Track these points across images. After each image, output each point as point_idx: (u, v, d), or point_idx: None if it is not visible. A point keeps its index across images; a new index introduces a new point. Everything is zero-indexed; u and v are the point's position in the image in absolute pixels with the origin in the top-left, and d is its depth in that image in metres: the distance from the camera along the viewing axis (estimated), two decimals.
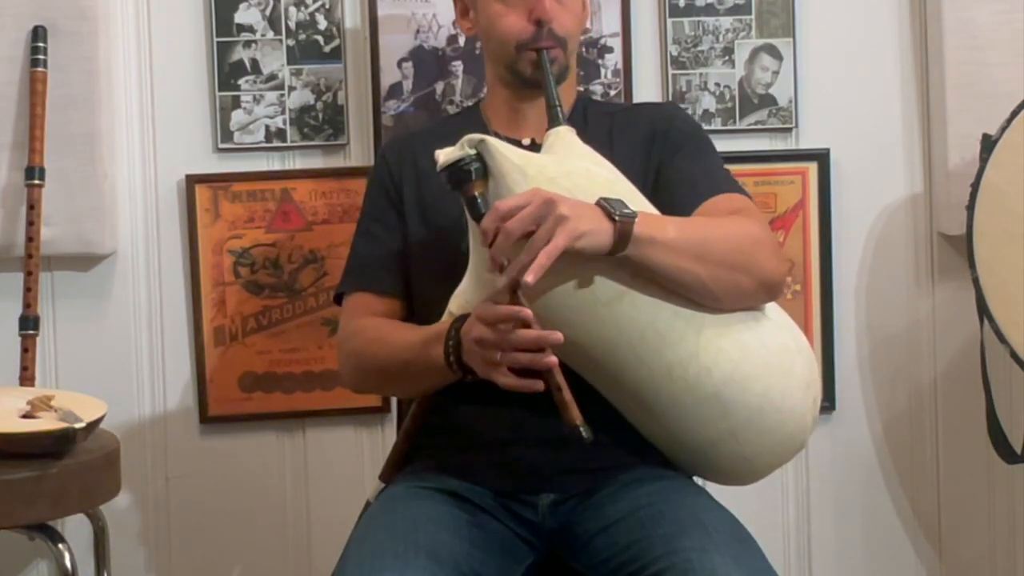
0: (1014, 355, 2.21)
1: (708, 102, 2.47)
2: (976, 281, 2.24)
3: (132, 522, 2.44)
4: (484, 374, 1.66)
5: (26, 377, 2.28)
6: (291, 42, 2.41)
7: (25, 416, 2.01)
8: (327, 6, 2.41)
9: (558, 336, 1.59)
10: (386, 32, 2.41)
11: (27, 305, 2.28)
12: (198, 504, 2.46)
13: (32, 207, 2.28)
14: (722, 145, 2.39)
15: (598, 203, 1.62)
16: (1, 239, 2.34)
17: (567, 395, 1.60)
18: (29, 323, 2.29)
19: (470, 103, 2.30)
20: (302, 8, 2.41)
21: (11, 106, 2.33)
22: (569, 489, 1.78)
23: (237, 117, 2.41)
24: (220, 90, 2.40)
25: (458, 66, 2.42)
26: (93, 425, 2.01)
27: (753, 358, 1.70)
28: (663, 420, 1.73)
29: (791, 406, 1.73)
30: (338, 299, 2.00)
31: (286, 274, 2.43)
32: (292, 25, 2.41)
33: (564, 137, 1.82)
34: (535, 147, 1.87)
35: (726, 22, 2.47)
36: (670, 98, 2.46)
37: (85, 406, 2.05)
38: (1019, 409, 2.53)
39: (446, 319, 1.76)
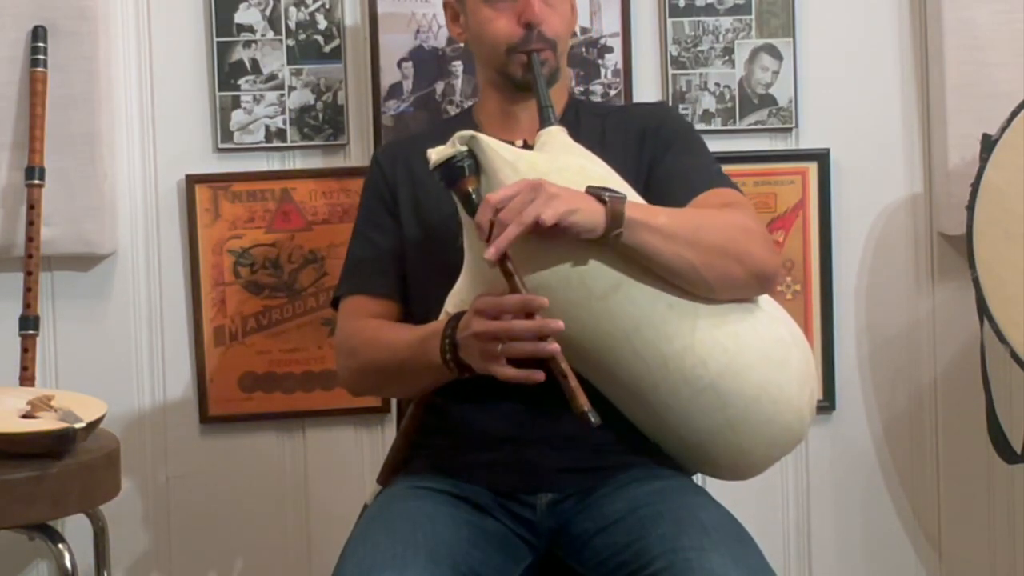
0: (1014, 355, 2.21)
1: (708, 102, 2.47)
2: (976, 281, 2.24)
3: (132, 522, 2.44)
4: (483, 368, 1.66)
5: (26, 377, 2.28)
6: (291, 42, 2.41)
7: (25, 416, 2.01)
8: (327, 6, 2.41)
9: (559, 323, 1.60)
10: (386, 32, 2.41)
11: (27, 305, 2.28)
12: (198, 504, 2.46)
13: (32, 207, 2.28)
14: (722, 145, 2.41)
15: (587, 190, 1.63)
16: (1, 239, 2.34)
17: (573, 382, 1.60)
18: (29, 323, 2.29)
19: (469, 103, 2.30)
20: (302, 8, 2.41)
21: (11, 106, 2.33)
22: (568, 488, 1.78)
23: (237, 117, 2.41)
24: (220, 90, 2.40)
25: (458, 66, 2.42)
26: (93, 425, 2.01)
27: (749, 349, 1.71)
28: (661, 413, 1.73)
29: (788, 397, 1.73)
30: (335, 304, 2.00)
31: (286, 274, 2.43)
32: (292, 25, 2.41)
33: (556, 136, 1.83)
34: (527, 148, 1.87)
35: (726, 22, 2.47)
36: (670, 98, 2.46)
37: (85, 406, 2.05)
38: (1019, 409, 2.53)
39: (443, 318, 1.76)
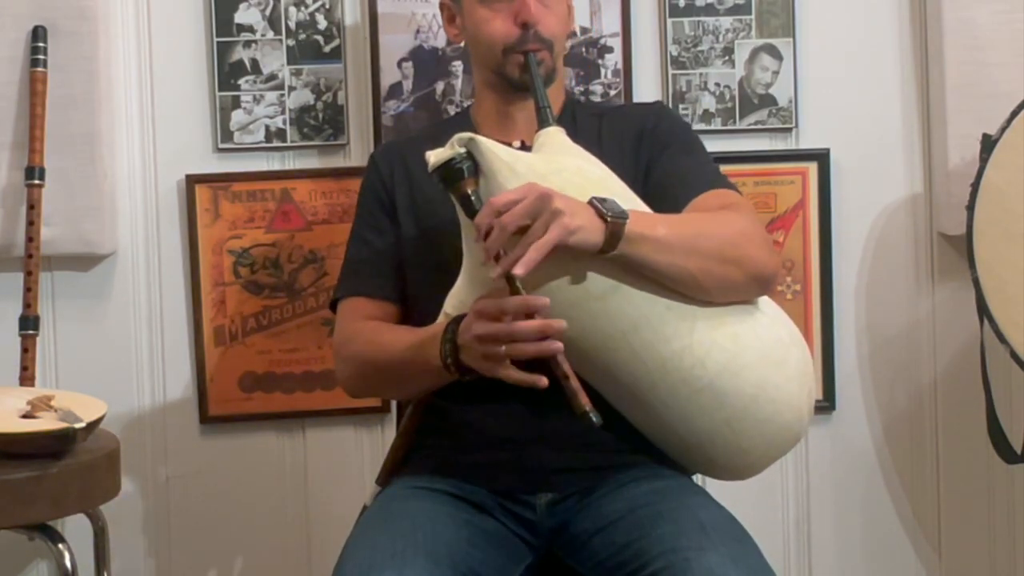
0: (1014, 355, 2.21)
1: (708, 102, 2.47)
2: (976, 281, 2.24)
3: (132, 522, 2.44)
4: (486, 370, 1.66)
5: (26, 377, 2.28)
6: (291, 42, 2.41)
7: (25, 416, 2.01)
8: (327, 6, 2.41)
9: (561, 323, 1.60)
10: (386, 32, 2.41)
11: (27, 305, 2.28)
12: (198, 504, 2.46)
13: (32, 207, 2.28)
14: (722, 145, 2.41)
15: (590, 202, 1.62)
16: (1, 239, 2.34)
17: (574, 382, 1.61)
18: (29, 323, 2.29)
19: (468, 103, 2.29)
20: (302, 8, 2.41)
21: (11, 106, 2.33)
22: (567, 488, 1.78)
23: (237, 117, 2.41)
24: (220, 90, 2.40)
25: (458, 66, 2.42)
26: (93, 425, 2.01)
27: (747, 349, 1.71)
28: (659, 413, 1.73)
29: (786, 396, 1.73)
30: (333, 306, 2.00)
31: (286, 274, 2.43)
32: (292, 25, 2.41)
33: (554, 137, 1.82)
34: (525, 149, 1.87)
35: (726, 22, 2.47)
36: (670, 98, 2.46)
37: (85, 406, 2.05)
38: (1019, 409, 2.53)
39: (442, 320, 1.76)
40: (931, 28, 2.48)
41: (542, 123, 1.84)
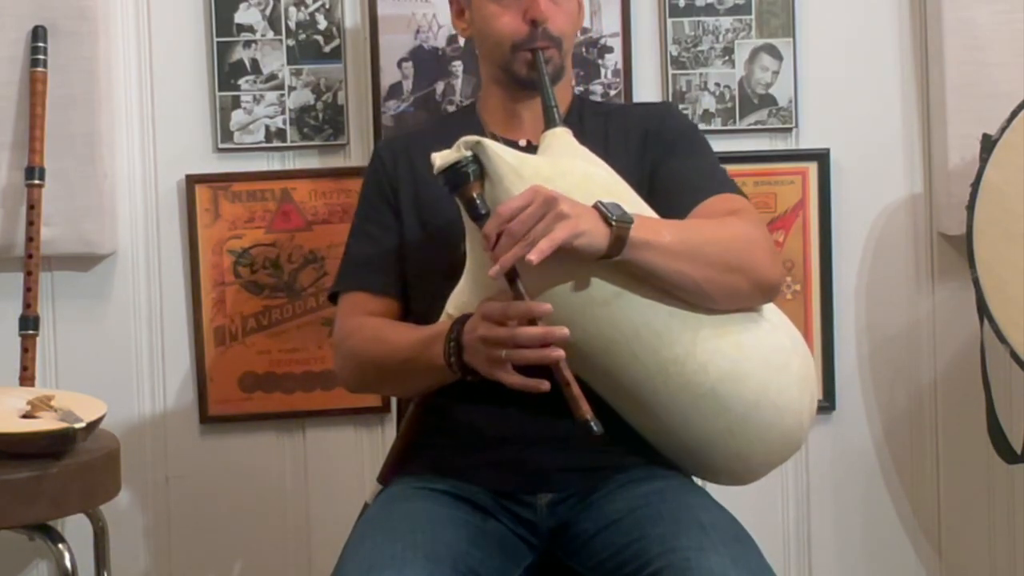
0: (1014, 355, 2.21)
1: (708, 102, 2.47)
2: (976, 281, 2.24)
3: (132, 522, 2.44)
4: (488, 373, 1.66)
5: (26, 377, 2.28)
6: (291, 42, 2.41)
7: (25, 416, 2.01)
8: (327, 6, 2.41)
9: (564, 331, 1.60)
10: (386, 32, 2.41)
11: (27, 305, 2.28)
12: (198, 504, 2.46)
13: (32, 207, 2.28)
14: (722, 145, 2.41)
15: (595, 206, 1.62)
16: (1, 239, 2.34)
17: (575, 389, 1.60)
18: (29, 323, 2.29)
19: (467, 103, 2.29)
20: (302, 8, 2.41)
21: (11, 106, 2.33)
22: (568, 489, 1.78)
23: (237, 117, 2.41)
24: (220, 90, 2.40)
25: (458, 66, 2.42)
26: (93, 425, 2.01)
27: (749, 356, 1.71)
28: (660, 418, 1.73)
29: (787, 403, 1.73)
30: (332, 298, 2.00)
31: (286, 274, 2.43)
32: (292, 25, 2.41)
33: (561, 138, 1.82)
34: (531, 148, 1.87)
35: (726, 22, 2.47)
36: (670, 98, 2.46)
37: (85, 406, 2.05)
38: (1019, 409, 2.53)
39: (445, 320, 1.76)
40: (931, 28, 2.48)
41: (549, 123, 1.84)
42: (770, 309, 1.80)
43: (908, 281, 2.55)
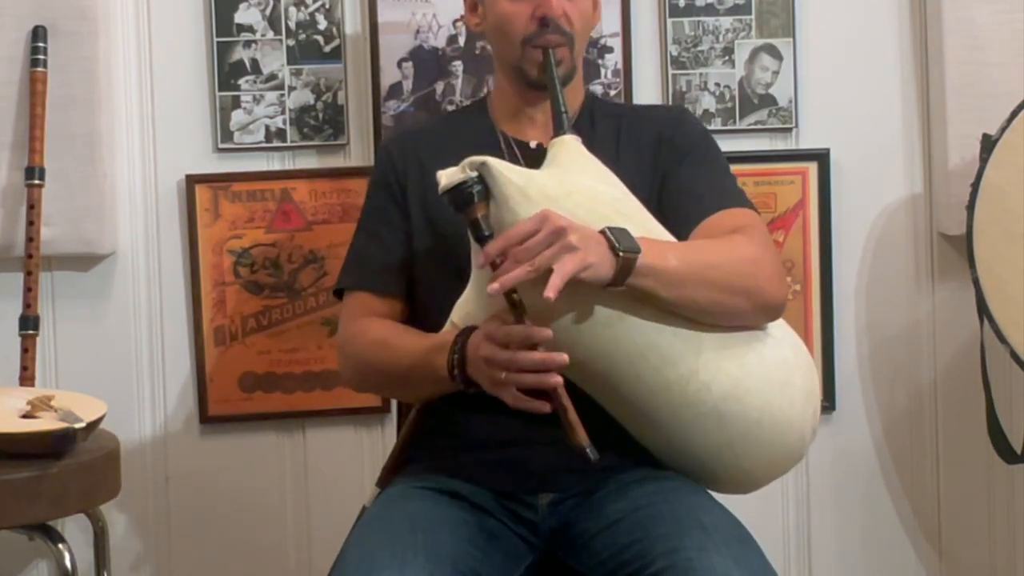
0: (1014, 355, 2.21)
1: (708, 102, 2.47)
2: (976, 281, 2.24)
3: (132, 522, 2.44)
4: (491, 391, 1.66)
5: (26, 377, 2.28)
6: (291, 42, 2.41)
7: (25, 416, 2.01)
8: (327, 6, 2.41)
9: (563, 358, 1.59)
10: (386, 32, 2.41)
11: (27, 305, 2.28)
12: (198, 504, 2.46)
13: (32, 207, 2.28)
14: (722, 145, 2.37)
15: (603, 233, 1.61)
16: (1, 239, 2.34)
17: (572, 416, 1.61)
18: (29, 323, 2.29)
19: (478, 99, 2.28)
20: (302, 8, 2.41)
21: (11, 106, 2.33)
22: (569, 489, 1.78)
23: (237, 117, 2.41)
24: (220, 90, 2.40)
25: (458, 66, 2.42)
26: (93, 425, 2.01)
27: (753, 373, 1.71)
28: (662, 432, 1.73)
29: (790, 419, 1.73)
30: (337, 293, 1.99)
31: (286, 274, 2.43)
32: (292, 25, 2.41)
33: (569, 147, 1.80)
34: (541, 151, 1.86)
35: (726, 22, 2.47)
36: (670, 98, 2.46)
37: (85, 406, 2.05)
38: (1019, 409, 2.53)
39: (450, 329, 1.75)
40: (931, 28, 2.48)
41: (557, 129, 1.82)
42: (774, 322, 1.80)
43: (908, 281, 2.55)
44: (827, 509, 2.56)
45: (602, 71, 2.45)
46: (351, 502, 2.04)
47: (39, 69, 2.30)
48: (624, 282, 1.61)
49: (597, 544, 1.70)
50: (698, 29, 2.47)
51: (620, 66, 2.45)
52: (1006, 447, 2.35)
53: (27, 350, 2.28)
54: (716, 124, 2.46)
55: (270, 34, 2.40)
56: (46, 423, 1.98)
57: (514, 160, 1.89)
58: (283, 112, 2.41)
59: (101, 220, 2.35)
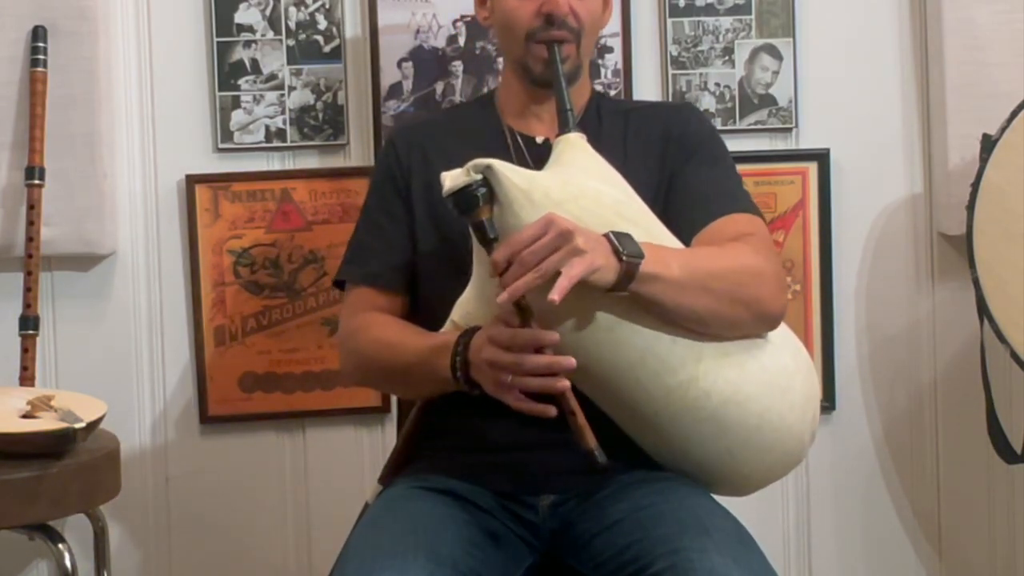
0: (1014, 355, 2.21)
1: (708, 102, 2.47)
2: (976, 281, 2.24)
3: (132, 522, 2.44)
4: (494, 393, 1.65)
5: (26, 377, 2.28)
6: (291, 42, 2.41)
7: (25, 416, 2.01)
8: (327, 6, 2.41)
9: (571, 362, 1.59)
10: (386, 32, 2.41)
11: (27, 305, 2.28)
12: (198, 504, 2.46)
13: (32, 207, 2.28)
14: None
15: (607, 237, 1.61)
16: (1, 239, 2.34)
17: (581, 420, 1.60)
18: (29, 323, 2.29)
19: (485, 93, 2.27)
20: (302, 8, 2.41)
21: (11, 106, 2.33)
22: (570, 490, 1.78)
23: (237, 117, 2.41)
24: (220, 90, 2.40)
25: (458, 66, 2.42)
26: (93, 425, 2.01)
27: (752, 380, 1.70)
28: (662, 437, 1.73)
29: (789, 424, 1.73)
30: (338, 285, 1.99)
31: (286, 274, 2.43)
32: (292, 25, 2.41)
33: (575, 145, 1.80)
34: (547, 146, 1.86)
35: (726, 22, 2.47)
36: (670, 98, 2.46)
37: (85, 406, 2.05)
38: (1019, 409, 2.53)
39: (451, 328, 1.75)
40: (931, 28, 2.48)
41: (563, 127, 1.82)
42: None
43: (908, 281, 2.55)
44: (827, 509, 2.56)
45: (602, 71, 2.45)
46: (351, 502, 2.04)
47: (39, 69, 2.30)
48: (627, 287, 1.61)
49: (598, 545, 1.70)
50: (698, 29, 2.47)
51: (620, 66, 2.45)
52: (1006, 447, 2.35)
53: (27, 350, 2.28)
54: (716, 124, 2.45)
55: (270, 34, 2.40)
56: (46, 423, 1.98)
57: (520, 155, 1.89)
58: (283, 112, 2.41)
59: (101, 220, 2.35)
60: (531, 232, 1.57)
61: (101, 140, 2.35)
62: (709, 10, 2.47)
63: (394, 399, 2.28)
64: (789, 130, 2.50)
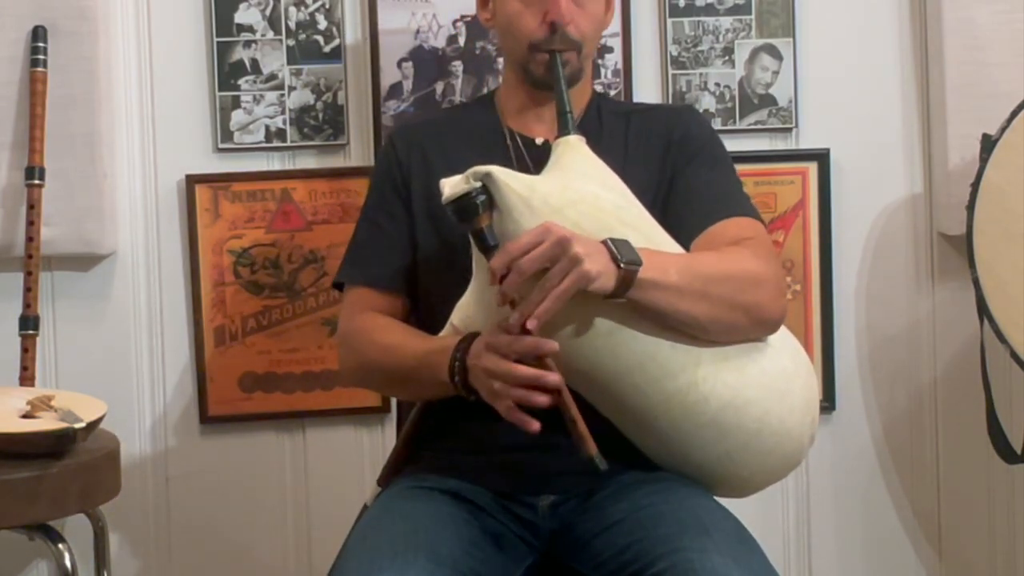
0: (1014, 355, 2.21)
1: (708, 102, 2.47)
2: (976, 281, 2.24)
3: (132, 522, 2.44)
4: (489, 401, 1.66)
5: (26, 377, 2.28)
6: (291, 42, 2.41)
7: (25, 416, 2.01)
8: (327, 6, 2.41)
9: (556, 377, 1.60)
10: (386, 32, 2.41)
11: (27, 305, 2.28)
12: (198, 504, 2.46)
13: (32, 207, 2.28)
14: None
15: (605, 244, 1.61)
16: (1, 239, 2.34)
17: (582, 427, 1.61)
18: (29, 323, 2.29)
19: (485, 93, 2.27)
20: (302, 8, 2.41)
21: (11, 106, 2.33)
22: (569, 490, 1.78)
23: (237, 117, 2.41)
24: (220, 90, 2.40)
25: (458, 66, 2.42)
26: (93, 425, 2.01)
27: (752, 384, 1.71)
28: (662, 441, 1.73)
29: (788, 428, 1.74)
30: (337, 286, 1.99)
31: (286, 274, 2.43)
32: (292, 25, 2.41)
33: (574, 148, 1.80)
34: (547, 147, 1.86)
35: (726, 22, 2.47)
36: (670, 98, 2.46)
37: (85, 406, 2.05)
38: (1019, 409, 2.53)
39: (450, 331, 1.75)
40: (931, 28, 2.48)
41: (562, 129, 1.82)
42: None
43: (908, 281, 2.55)
44: (827, 509, 2.56)
45: (602, 71, 2.45)
46: (351, 502, 2.04)
47: (39, 69, 2.30)
48: (625, 294, 1.61)
49: (598, 545, 1.70)
50: (698, 29, 2.47)
51: (620, 66, 2.45)
52: (1006, 447, 2.35)
53: (27, 350, 2.28)
54: (716, 124, 2.45)
55: (270, 34, 2.40)
56: (46, 423, 1.98)
57: (519, 156, 1.89)
58: (283, 112, 2.41)
59: (101, 220, 2.35)
60: (528, 240, 1.58)
61: (101, 140, 2.35)
62: (709, 10, 2.47)
63: (394, 400, 2.28)
64: (789, 130, 2.50)
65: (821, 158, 2.49)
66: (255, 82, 2.40)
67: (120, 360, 2.43)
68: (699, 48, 2.47)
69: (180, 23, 2.41)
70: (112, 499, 2.11)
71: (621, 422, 1.74)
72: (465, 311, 1.75)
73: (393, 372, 1.82)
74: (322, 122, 2.42)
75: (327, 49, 2.42)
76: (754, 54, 2.48)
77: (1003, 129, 2.22)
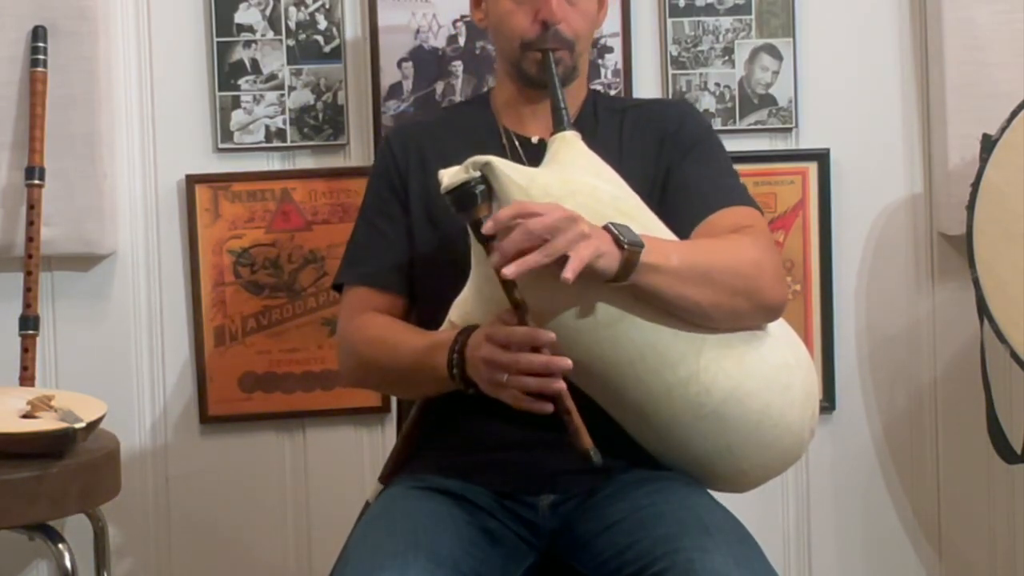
0: (1014, 355, 2.21)
1: (708, 102, 2.47)
2: (976, 281, 2.24)
3: (132, 522, 2.44)
4: (489, 392, 1.66)
5: (26, 377, 2.28)
6: (291, 42, 2.41)
7: (25, 416, 2.01)
8: (327, 6, 2.41)
9: (567, 362, 1.59)
10: (386, 32, 2.41)
11: (27, 305, 2.28)
12: (198, 504, 2.46)
13: (32, 207, 2.28)
14: None
15: (607, 228, 1.61)
16: (1, 239, 2.34)
17: (577, 420, 1.60)
18: (29, 323, 2.29)
19: (480, 93, 2.27)
20: (302, 8, 2.41)
21: (11, 106, 2.33)
22: (570, 490, 1.78)
23: (237, 117, 2.41)
24: (220, 90, 2.40)
25: (458, 66, 2.42)
26: (93, 425, 2.01)
27: (753, 376, 1.71)
28: (661, 434, 1.73)
29: (789, 421, 1.74)
30: (337, 288, 1.99)
31: (286, 274, 2.43)
32: (292, 25, 2.41)
33: (570, 143, 1.80)
34: (542, 146, 1.86)
35: (726, 22, 2.47)
36: (670, 98, 2.46)
37: (85, 406, 2.05)
38: (1019, 409, 2.53)
39: (448, 328, 1.75)
40: (931, 28, 2.48)
41: (557, 125, 1.82)
42: (775, 322, 1.79)
43: (908, 281, 2.55)
44: (827, 509, 2.56)
45: (602, 71, 2.45)
46: (351, 502, 2.04)
47: (39, 69, 2.30)
48: (628, 277, 1.61)
49: (598, 544, 1.70)
50: (698, 29, 2.47)
51: (620, 66, 2.45)
52: (1006, 447, 2.35)
53: (27, 350, 2.28)
54: (716, 124, 2.45)
55: (270, 34, 2.41)
56: (46, 423, 1.98)
57: (515, 154, 1.89)
58: (283, 112, 2.41)
59: (101, 220, 2.35)
60: (540, 207, 1.57)
61: (101, 140, 2.35)
62: (709, 10, 2.47)
63: (394, 399, 2.28)
64: (789, 130, 2.50)
65: (821, 158, 2.49)
66: (255, 82, 2.41)
67: (120, 360, 2.43)
68: (699, 48, 2.47)
69: (180, 23, 2.41)
70: (112, 499, 2.11)
71: (620, 414, 1.74)
72: (463, 307, 1.75)
73: (392, 370, 1.83)
74: (322, 122, 2.42)
75: (327, 49, 2.42)
76: (754, 54, 2.48)
77: (1003, 129, 2.22)
